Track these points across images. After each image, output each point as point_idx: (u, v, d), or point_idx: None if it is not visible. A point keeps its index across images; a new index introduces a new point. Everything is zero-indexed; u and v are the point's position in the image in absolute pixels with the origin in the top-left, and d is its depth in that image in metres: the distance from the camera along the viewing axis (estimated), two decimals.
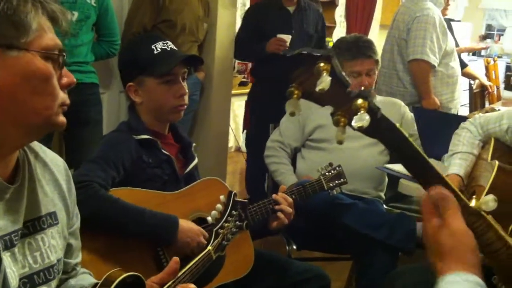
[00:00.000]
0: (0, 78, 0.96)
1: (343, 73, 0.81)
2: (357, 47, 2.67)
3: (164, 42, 1.89)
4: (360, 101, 0.80)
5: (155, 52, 1.86)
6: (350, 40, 2.76)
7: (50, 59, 1.01)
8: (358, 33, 4.28)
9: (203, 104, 3.86)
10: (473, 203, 0.86)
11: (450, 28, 4.53)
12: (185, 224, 1.72)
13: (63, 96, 1.04)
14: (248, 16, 3.93)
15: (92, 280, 1.30)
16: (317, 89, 0.78)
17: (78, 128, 2.91)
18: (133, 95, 1.89)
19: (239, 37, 3.90)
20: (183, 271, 1.36)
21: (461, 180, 1.92)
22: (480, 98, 5.50)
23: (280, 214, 1.90)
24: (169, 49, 1.89)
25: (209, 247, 1.44)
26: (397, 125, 0.84)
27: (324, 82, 0.77)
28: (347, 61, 2.66)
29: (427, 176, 0.87)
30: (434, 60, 3.51)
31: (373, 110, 0.81)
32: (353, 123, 0.80)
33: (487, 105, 5.49)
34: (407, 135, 0.85)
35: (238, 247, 1.79)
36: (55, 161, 1.18)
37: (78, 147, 3.04)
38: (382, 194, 2.74)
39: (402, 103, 2.86)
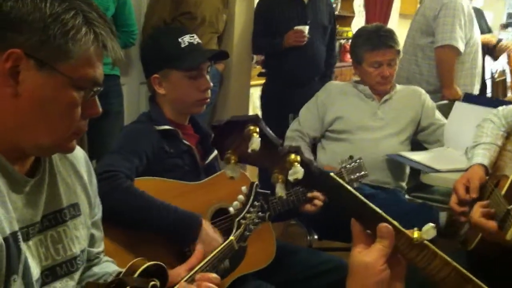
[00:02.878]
0: (26, 89, 0.96)
1: (271, 133, 0.86)
2: (378, 37, 2.65)
3: (191, 35, 1.90)
4: (292, 156, 0.84)
5: (183, 45, 1.86)
6: (371, 30, 2.74)
7: (82, 89, 1.00)
8: (378, 23, 4.25)
9: (222, 95, 3.86)
10: (414, 235, 0.86)
11: (482, 15, 4.49)
12: (207, 226, 1.71)
13: (80, 125, 1.04)
14: (260, 9, 3.85)
15: (115, 268, 1.31)
16: (249, 150, 0.82)
17: (99, 120, 2.90)
18: (157, 87, 1.90)
19: (254, 31, 3.87)
20: (205, 260, 1.36)
21: (485, 170, 1.90)
22: (502, 87, 5.43)
23: (315, 201, 1.92)
24: (195, 43, 1.90)
25: (231, 237, 1.44)
26: (332, 174, 0.88)
27: (255, 143, 0.82)
28: (367, 52, 2.64)
29: (372, 218, 0.88)
30: (462, 46, 3.46)
31: (306, 163, 0.85)
32: (289, 177, 0.84)
33: (509, 94, 5.42)
34: (342, 182, 0.87)
35: (260, 237, 1.79)
36: (76, 152, 1.18)
37: (99, 139, 3.06)
38: (404, 184, 2.72)
39: (423, 91, 2.84)
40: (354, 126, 2.66)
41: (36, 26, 0.94)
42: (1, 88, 0.96)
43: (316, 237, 2.46)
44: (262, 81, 4.10)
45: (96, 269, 1.28)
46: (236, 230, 1.48)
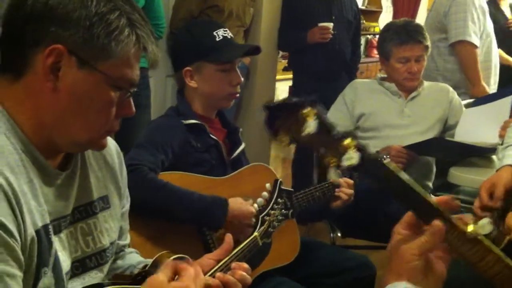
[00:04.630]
0: (65, 85, 0.97)
1: (327, 117, 0.85)
2: (406, 31, 2.62)
3: (224, 29, 1.91)
4: (348, 140, 0.83)
5: (217, 39, 1.87)
6: (399, 24, 2.72)
7: (119, 89, 1.02)
8: (406, 17, 4.20)
9: (247, 89, 3.86)
10: (469, 229, 0.84)
11: (498, 7, 4.39)
12: (235, 205, 1.72)
13: (113, 124, 1.05)
14: (287, 3, 3.82)
15: (140, 258, 1.32)
16: (304, 133, 0.82)
17: None
18: (188, 80, 1.90)
19: (280, 26, 3.85)
20: (229, 256, 1.36)
21: None
22: None
23: (342, 195, 1.91)
24: (229, 37, 1.91)
25: (255, 233, 1.44)
26: (387, 161, 0.86)
27: (311, 126, 0.82)
28: (395, 46, 2.62)
29: (425, 209, 0.87)
30: (476, 41, 3.40)
31: (361, 148, 0.84)
32: (343, 162, 0.83)
33: None
34: (397, 170, 0.86)
35: (284, 234, 1.79)
36: (107, 144, 1.20)
37: (126, 132, 3.07)
38: (430, 184, 2.69)
39: (451, 89, 2.80)
40: (381, 124, 2.64)
41: (81, 24, 0.96)
42: (41, 83, 0.97)
43: (339, 234, 2.44)
44: (287, 75, 4.09)
45: (120, 262, 1.29)
46: (260, 227, 1.48)
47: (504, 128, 2.23)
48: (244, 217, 1.70)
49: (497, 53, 3.68)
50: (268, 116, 0.85)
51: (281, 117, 0.85)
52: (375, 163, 0.86)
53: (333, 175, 0.84)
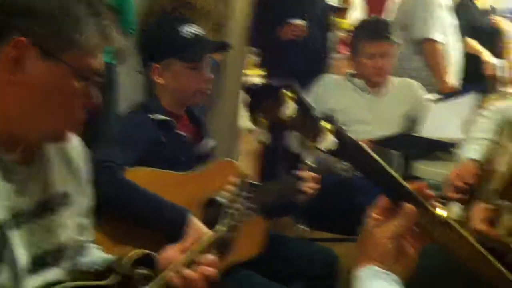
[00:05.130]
0: (29, 77, 0.97)
1: (308, 100, 0.85)
2: (374, 28, 2.66)
3: (194, 26, 1.89)
4: (326, 125, 0.84)
5: (186, 36, 1.86)
6: (368, 21, 2.76)
7: (84, 79, 1.01)
8: (375, 14, 4.24)
9: (217, 85, 3.85)
10: (440, 213, 0.87)
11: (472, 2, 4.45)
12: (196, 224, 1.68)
13: (79, 116, 1.05)
14: (259, 1, 3.82)
15: (103, 255, 1.31)
16: (284, 117, 0.82)
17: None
18: (156, 77, 1.89)
19: (252, 23, 3.84)
20: (194, 250, 1.36)
21: (478, 165, 1.91)
22: (495, 80, 5.41)
23: (308, 190, 1.91)
24: (199, 33, 1.90)
25: (220, 227, 1.44)
26: (364, 146, 0.87)
27: (291, 109, 0.81)
28: (364, 43, 2.65)
29: (399, 193, 0.88)
30: (440, 37, 3.45)
31: (340, 133, 0.84)
32: (320, 146, 0.83)
33: (503, 88, 5.40)
34: (374, 154, 0.87)
35: (250, 228, 1.80)
36: (71, 140, 1.18)
37: (94, 128, 3.04)
38: None
39: (418, 85, 2.85)
40: (350, 120, 2.66)
41: (44, 16, 0.95)
42: (4, 75, 0.96)
43: (305, 228, 2.46)
44: (258, 71, 4.09)
45: (82, 258, 1.28)
46: (226, 221, 1.48)
47: (467, 123, 2.27)
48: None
49: (457, 47, 3.73)
50: (250, 98, 0.85)
51: (262, 100, 0.86)
52: (353, 146, 0.87)
53: (309, 159, 0.85)
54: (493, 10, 4.52)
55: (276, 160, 2.74)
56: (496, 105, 2.12)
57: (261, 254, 1.90)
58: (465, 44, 4.05)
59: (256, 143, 4.01)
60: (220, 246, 1.42)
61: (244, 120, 5.51)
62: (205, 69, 1.90)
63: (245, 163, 4.82)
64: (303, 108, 0.83)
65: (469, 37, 3.79)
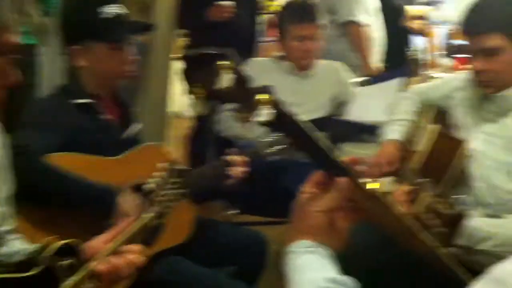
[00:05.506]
0: None
1: (245, 71, 0.83)
2: (302, 10, 2.68)
3: (116, 5, 1.83)
4: (264, 96, 0.82)
5: (107, 16, 1.79)
6: (296, 3, 2.76)
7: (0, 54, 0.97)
8: None
9: (144, 67, 3.78)
10: (374, 186, 0.89)
11: None
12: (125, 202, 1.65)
13: None
14: None
15: (24, 245, 1.27)
16: (220, 87, 0.80)
17: (13, 91, 2.80)
18: (77, 59, 1.82)
19: (179, 3, 3.80)
20: (121, 238, 1.34)
21: (399, 145, 1.97)
22: (418, 64, 5.60)
23: (237, 173, 1.91)
24: (121, 13, 1.84)
25: (148, 214, 1.42)
26: (299, 117, 0.87)
27: (227, 80, 0.79)
28: (292, 25, 2.66)
29: (333, 167, 0.89)
30: (365, 20, 3.54)
31: (278, 105, 0.83)
32: (257, 118, 0.82)
33: (425, 71, 5.60)
34: (308, 127, 0.87)
35: (179, 214, 1.78)
36: None
37: (14, 111, 2.93)
38: None
39: (343, 67, 2.90)
40: None
41: None
42: None
43: (235, 212, 2.47)
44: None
45: (4, 248, 1.23)
46: (154, 207, 1.46)
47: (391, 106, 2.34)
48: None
49: (380, 29, 3.82)
50: (187, 67, 0.83)
51: (199, 70, 0.84)
52: (288, 119, 0.86)
53: (245, 132, 0.83)
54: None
55: (205, 145, 2.73)
56: (416, 87, 2.19)
57: (190, 239, 1.89)
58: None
59: (186, 128, 3.99)
60: (148, 233, 1.40)
61: (173, 104, 5.45)
62: (128, 51, 1.85)
63: (174, 148, 4.79)
64: (240, 78, 0.82)
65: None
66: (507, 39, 1.65)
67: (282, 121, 0.85)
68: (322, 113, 2.71)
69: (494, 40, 1.66)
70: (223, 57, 0.81)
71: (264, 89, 0.83)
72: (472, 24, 1.72)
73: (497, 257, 0.65)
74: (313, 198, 0.91)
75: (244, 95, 0.83)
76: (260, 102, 0.82)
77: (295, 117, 0.87)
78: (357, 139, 2.60)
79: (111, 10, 1.81)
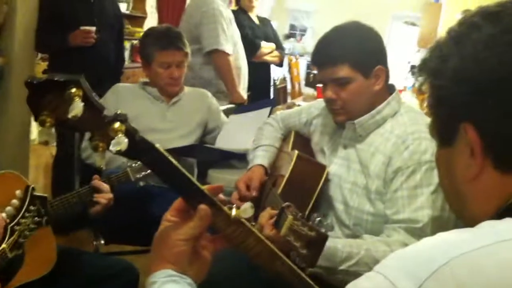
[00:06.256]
0: None
1: (97, 98, 0.80)
2: (167, 37, 2.68)
3: None
4: (117, 124, 0.80)
5: None
6: (161, 30, 2.77)
7: None
8: (170, 24, 4.30)
9: (3, 91, 3.57)
10: (233, 212, 0.91)
11: (269, 23, 4.76)
12: None
13: None
14: (45, 2, 3.64)
15: None
16: (69, 116, 0.77)
17: None
18: None
19: (38, 26, 3.64)
20: None
21: (265, 170, 2.02)
22: (283, 93, 5.85)
23: (102, 200, 1.87)
24: None
25: (3, 245, 1.34)
26: (157, 145, 0.86)
27: (77, 108, 0.76)
28: (157, 52, 2.65)
29: (193, 194, 0.90)
30: (228, 48, 3.63)
31: (131, 133, 0.82)
32: (111, 147, 0.80)
33: (289, 100, 5.86)
34: (166, 154, 0.87)
35: (39, 243, 1.69)
36: None
37: None
38: None
39: (209, 94, 2.94)
40: (144, 128, 2.59)
41: None
42: None
43: (102, 241, 2.39)
44: None
45: None
46: (9, 238, 1.38)
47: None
48: None
49: (244, 58, 3.94)
50: (31, 94, 0.77)
51: (46, 96, 0.78)
52: (146, 147, 0.84)
53: (99, 161, 0.78)
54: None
55: (70, 172, 2.63)
56: (279, 113, 2.28)
57: (55, 271, 1.80)
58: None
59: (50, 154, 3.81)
60: (5, 266, 1.32)
61: (36, 132, 5.19)
62: None
63: (36, 176, 4.56)
64: (90, 106, 0.78)
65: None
66: (354, 70, 1.75)
67: (139, 150, 0.84)
68: (192, 139, 2.72)
69: (342, 71, 1.75)
70: (71, 82, 0.77)
71: (118, 117, 0.81)
72: (321, 56, 1.82)
73: (356, 275, 0.69)
74: (175, 226, 0.91)
75: (96, 124, 0.80)
76: (114, 131, 0.80)
77: (152, 145, 0.85)
78: (226, 165, 2.64)
79: None
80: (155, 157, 0.86)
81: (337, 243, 1.60)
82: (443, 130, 0.81)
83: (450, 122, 0.78)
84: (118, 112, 0.81)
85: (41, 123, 0.79)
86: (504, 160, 0.75)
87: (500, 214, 0.73)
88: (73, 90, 0.77)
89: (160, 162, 0.86)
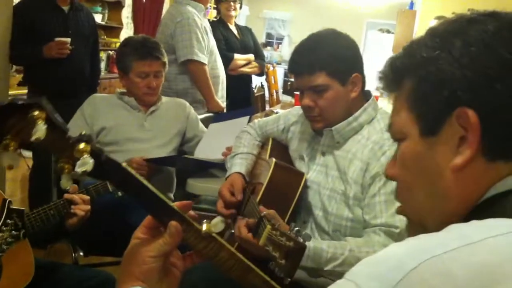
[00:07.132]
0: None
1: (60, 119, 0.80)
2: (145, 47, 2.68)
3: None
4: (82, 145, 0.80)
5: None
6: (138, 40, 2.76)
7: None
8: (146, 34, 4.30)
9: None
10: (204, 227, 0.91)
11: (250, 32, 4.77)
12: None
13: None
14: (18, 14, 3.61)
15: None
16: (32, 138, 0.76)
17: None
18: None
19: (12, 38, 3.61)
20: None
21: (243, 178, 2.02)
22: (261, 101, 5.87)
23: (78, 212, 1.84)
24: None
25: None
26: (123, 164, 0.85)
27: (40, 130, 0.76)
28: (135, 61, 2.65)
29: (163, 211, 0.90)
30: (203, 58, 3.64)
31: (96, 153, 0.82)
32: (76, 168, 0.80)
33: (267, 108, 5.88)
34: (133, 172, 0.86)
35: (16, 257, 1.67)
36: None
37: None
38: (171, 195, 2.77)
39: (187, 104, 2.93)
40: (122, 138, 2.64)
41: None
42: None
43: (82, 253, 2.37)
44: (23, 90, 3.86)
45: None
46: None
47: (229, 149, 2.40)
48: None
49: (222, 67, 3.95)
50: None
51: (9, 120, 0.78)
52: (113, 166, 0.84)
53: (65, 183, 0.77)
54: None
55: (47, 184, 2.60)
56: (256, 121, 2.28)
57: (33, 285, 1.77)
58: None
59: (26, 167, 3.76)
60: None
61: None
62: None
63: (13, 190, 4.50)
64: (53, 128, 0.78)
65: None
66: (330, 78, 1.77)
67: (105, 170, 0.83)
68: (170, 148, 2.72)
69: (319, 79, 1.77)
70: (33, 105, 0.77)
71: (82, 138, 0.80)
72: (298, 65, 1.83)
73: (340, 277, 0.70)
74: (145, 243, 0.90)
75: (61, 145, 0.80)
76: (79, 152, 0.79)
77: (118, 164, 0.85)
78: (205, 174, 2.64)
79: None
80: (123, 176, 0.85)
81: (321, 243, 1.61)
82: (432, 118, 0.78)
83: (444, 109, 0.76)
84: (83, 133, 0.80)
85: (5, 147, 0.78)
86: (498, 146, 0.74)
87: (476, 208, 0.74)
88: (36, 112, 0.76)
89: (127, 181, 0.86)
